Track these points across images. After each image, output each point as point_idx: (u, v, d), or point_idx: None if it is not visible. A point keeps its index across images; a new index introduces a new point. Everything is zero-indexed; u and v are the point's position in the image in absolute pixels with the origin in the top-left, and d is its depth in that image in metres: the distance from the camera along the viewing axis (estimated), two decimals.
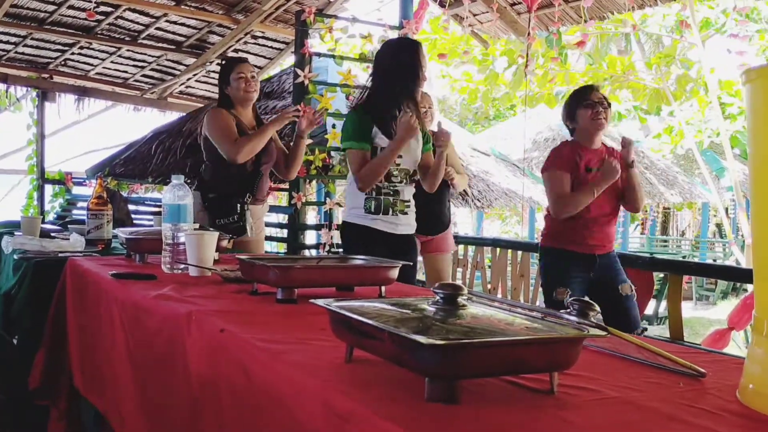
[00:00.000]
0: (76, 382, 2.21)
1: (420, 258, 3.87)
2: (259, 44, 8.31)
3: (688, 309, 10.38)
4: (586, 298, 1.16)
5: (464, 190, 7.19)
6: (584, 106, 3.23)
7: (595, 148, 3.26)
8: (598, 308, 1.14)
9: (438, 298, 1.05)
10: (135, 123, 9.74)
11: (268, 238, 7.89)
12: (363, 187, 2.90)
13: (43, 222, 3.38)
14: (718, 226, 17.47)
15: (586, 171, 3.19)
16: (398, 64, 2.91)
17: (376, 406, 0.89)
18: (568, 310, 1.13)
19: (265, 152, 3.33)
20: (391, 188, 2.94)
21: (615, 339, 1.16)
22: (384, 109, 2.91)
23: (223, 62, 3.51)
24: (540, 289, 4.90)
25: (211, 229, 2.65)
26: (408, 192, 3.00)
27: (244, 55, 8.43)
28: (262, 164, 3.35)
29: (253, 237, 3.37)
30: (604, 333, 1.02)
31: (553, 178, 3.21)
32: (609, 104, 3.27)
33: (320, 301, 1.12)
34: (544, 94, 11.93)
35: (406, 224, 3.01)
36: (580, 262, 3.23)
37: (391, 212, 2.95)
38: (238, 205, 3.26)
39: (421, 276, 4.59)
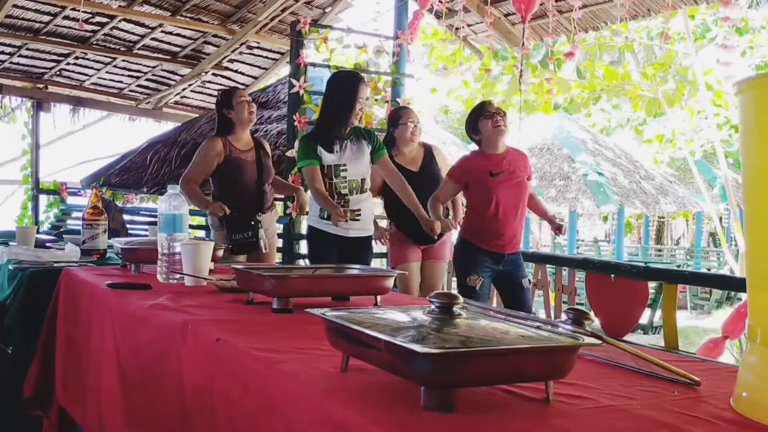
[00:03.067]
0: (57, 393, 2.20)
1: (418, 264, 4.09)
2: (254, 54, 8.32)
3: (682, 318, 10.40)
4: (582, 310, 1.16)
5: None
6: (485, 117, 3.59)
7: (499, 152, 3.64)
8: (592, 317, 1.14)
9: (434, 307, 1.05)
10: (130, 133, 9.74)
11: None
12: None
13: (37, 232, 3.38)
14: (713, 235, 17.54)
15: (491, 176, 3.57)
16: (337, 97, 3.33)
17: (372, 414, 0.89)
18: (563, 320, 1.13)
19: (264, 172, 3.59)
20: (342, 200, 3.29)
21: (610, 348, 1.16)
22: (327, 133, 3.32)
23: (222, 92, 3.72)
24: (535, 298, 4.92)
25: (228, 245, 3.14)
26: (360, 202, 3.33)
27: (240, 65, 8.47)
28: (264, 183, 3.59)
29: (267, 251, 3.57)
30: (599, 342, 1.02)
31: (444, 184, 3.72)
32: (504, 113, 3.65)
33: (316, 311, 1.12)
34: (540, 103, 11.97)
35: (358, 228, 3.37)
36: (490, 258, 3.65)
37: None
38: (252, 222, 3.47)
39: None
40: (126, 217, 5.21)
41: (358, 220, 3.29)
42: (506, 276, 3.71)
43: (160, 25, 7.52)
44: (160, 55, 8.20)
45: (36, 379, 2.35)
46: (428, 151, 4.01)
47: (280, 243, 4.94)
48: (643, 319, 9.20)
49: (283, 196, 5.15)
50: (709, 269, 14.29)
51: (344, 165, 3.29)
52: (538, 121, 13.39)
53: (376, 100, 5.25)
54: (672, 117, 12.44)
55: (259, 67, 8.61)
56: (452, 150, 8.44)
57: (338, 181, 3.29)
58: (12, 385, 2.40)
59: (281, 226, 4.96)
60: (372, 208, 3.45)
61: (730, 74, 7.51)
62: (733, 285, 4.27)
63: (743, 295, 6.55)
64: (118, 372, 1.70)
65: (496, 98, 13.29)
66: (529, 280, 3.80)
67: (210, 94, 8.85)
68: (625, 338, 3.75)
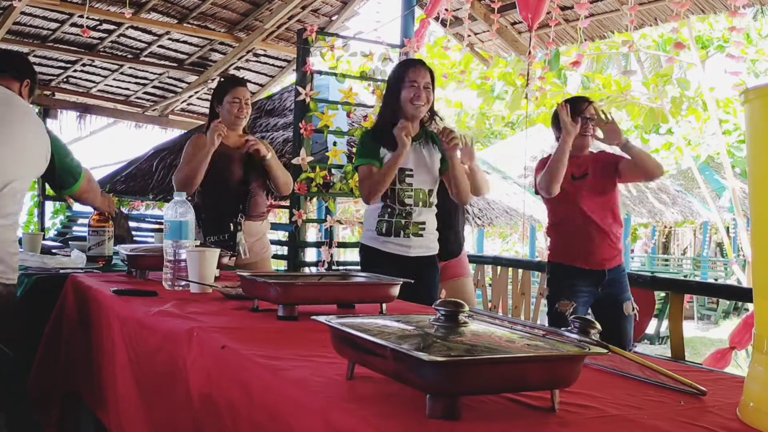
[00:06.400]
0: (85, 398, 2.20)
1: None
2: (260, 62, 8.36)
3: (689, 328, 10.35)
4: (589, 316, 1.16)
5: (464, 208, 7.18)
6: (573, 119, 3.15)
7: (582, 154, 3.24)
8: (598, 326, 1.14)
9: (439, 315, 1.05)
10: (136, 140, 9.81)
11: None
12: (368, 199, 2.87)
13: (44, 238, 3.39)
14: (719, 245, 17.49)
15: (572, 179, 3.16)
16: (391, 85, 2.93)
17: (377, 422, 0.89)
18: (569, 328, 1.13)
19: (253, 171, 3.29)
20: (404, 210, 2.87)
21: (616, 357, 1.16)
22: (385, 127, 2.88)
23: (222, 79, 3.46)
24: (541, 308, 4.90)
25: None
26: (423, 214, 2.91)
27: (246, 73, 8.49)
28: (251, 183, 3.31)
29: (251, 259, 3.25)
30: (605, 351, 1.02)
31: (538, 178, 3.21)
32: (596, 121, 3.18)
33: (321, 318, 1.13)
34: (540, 114, 11.99)
35: (421, 246, 2.92)
36: (588, 278, 3.14)
37: (402, 234, 2.87)
38: (231, 224, 3.19)
39: None
40: (132, 223, 5.21)
41: (421, 235, 2.90)
42: (605, 299, 3.16)
43: (167, 33, 7.56)
44: (166, 63, 8.25)
45: (35, 385, 2.34)
46: None
47: (284, 251, 4.95)
48: (650, 329, 9.18)
49: (288, 203, 5.16)
50: (716, 279, 14.24)
51: (410, 170, 2.86)
52: (539, 129, 13.41)
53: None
54: (678, 125, 12.44)
55: (266, 74, 8.64)
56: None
57: (402, 187, 2.85)
58: (14, 389, 2.40)
59: (285, 234, 4.96)
60: (435, 224, 2.99)
61: (734, 84, 7.51)
62: (740, 295, 4.27)
63: (751, 306, 6.53)
64: (134, 379, 1.69)
65: (494, 111, 13.30)
66: (633, 306, 3.18)
67: None
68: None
